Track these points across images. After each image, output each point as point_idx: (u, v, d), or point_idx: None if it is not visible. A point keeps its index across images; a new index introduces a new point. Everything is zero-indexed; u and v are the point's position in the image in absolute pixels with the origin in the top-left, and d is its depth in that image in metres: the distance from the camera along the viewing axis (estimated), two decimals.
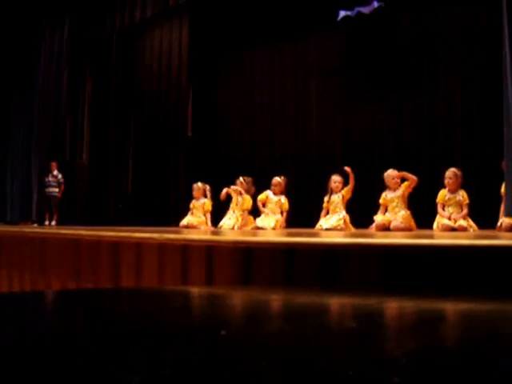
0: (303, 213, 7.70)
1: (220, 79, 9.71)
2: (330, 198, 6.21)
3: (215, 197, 7.24)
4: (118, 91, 9.82)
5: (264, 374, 0.83)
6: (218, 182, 7.77)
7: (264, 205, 6.66)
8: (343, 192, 6.16)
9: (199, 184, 7.30)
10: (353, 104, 8.10)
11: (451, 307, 1.72)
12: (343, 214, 6.09)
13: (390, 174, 5.82)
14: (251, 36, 9.05)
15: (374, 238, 2.86)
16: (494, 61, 6.11)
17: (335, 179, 6.23)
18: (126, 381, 0.78)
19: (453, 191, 5.52)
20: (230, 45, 9.37)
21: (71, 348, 1.07)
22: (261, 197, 6.67)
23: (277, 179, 6.71)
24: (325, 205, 6.26)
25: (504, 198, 5.31)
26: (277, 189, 6.66)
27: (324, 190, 6.43)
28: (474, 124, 7.00)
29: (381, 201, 5.86)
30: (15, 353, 1.00)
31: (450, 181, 5.52)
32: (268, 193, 6.68)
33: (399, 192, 5.73)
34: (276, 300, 1.90)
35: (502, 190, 5.38)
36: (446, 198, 5.55)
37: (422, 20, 7.53)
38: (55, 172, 9.01)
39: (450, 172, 5.54)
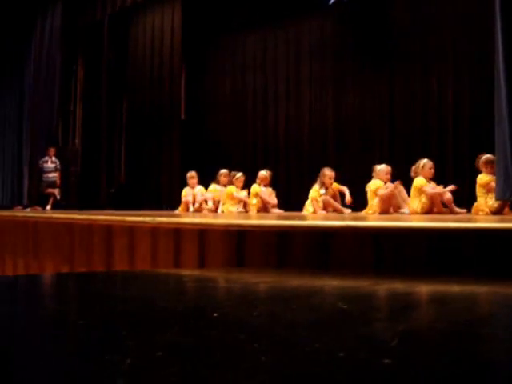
0: (294, 198, 7.69)
1: (213, 63, 9.66)
2: (326, 192, 6.16)
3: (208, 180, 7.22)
4: (110, 76, 9.74)
5: (255, 356, 0.83)
6: (211, 165, 7.75)
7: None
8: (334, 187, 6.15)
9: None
10: (345, 88, 8.08)
11: (442, 289, 1.73)
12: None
13: (383, 169, 5.65)
14: (244, 19, 8.99)
15: (366, 221, 2.86)
16: (486, 48, 6.06)
17: (330, 175, 6.11)
18: (117, 363, 0.78)
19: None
20: (223, 28, 9.31)
21: (64, 331, 1.07)
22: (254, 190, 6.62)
23: (263, 173, 6.68)
24: (321, 198, 6.21)
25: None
26: (263, 183, 6.65)
27: (315, 176, 6.39)
28: (466, 111, 6.95)
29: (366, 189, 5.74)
30: (7, 335, 1.00)
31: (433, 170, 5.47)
32: (256, 187, 6.64)
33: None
34: (268, 282, 1.90)
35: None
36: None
37: (414, 4, 7.47)
38: (54, 158, 8.96)
39: (430, 163, 5.46)
